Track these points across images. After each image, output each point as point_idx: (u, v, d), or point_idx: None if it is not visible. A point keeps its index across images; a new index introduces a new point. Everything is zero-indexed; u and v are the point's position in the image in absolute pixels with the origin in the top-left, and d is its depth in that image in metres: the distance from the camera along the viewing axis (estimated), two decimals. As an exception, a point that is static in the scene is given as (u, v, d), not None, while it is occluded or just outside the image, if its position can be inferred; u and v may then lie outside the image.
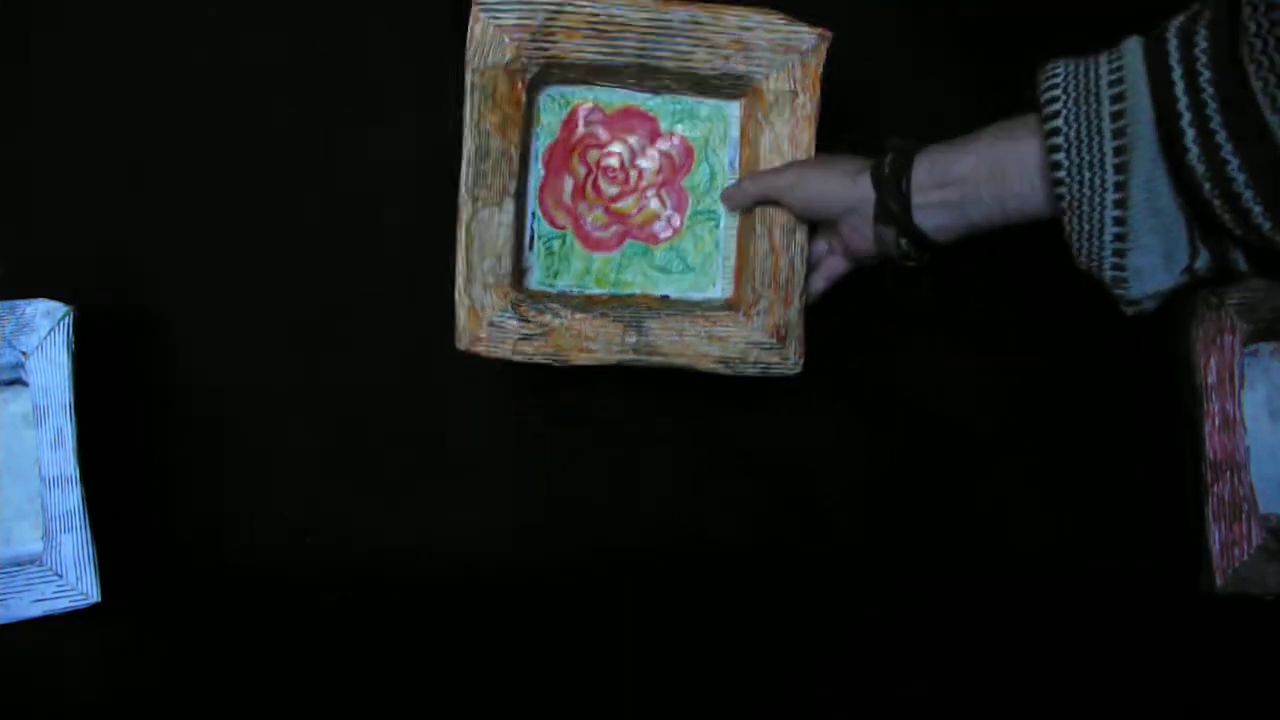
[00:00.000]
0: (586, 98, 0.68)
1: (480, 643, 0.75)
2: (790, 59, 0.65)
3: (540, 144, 0.68)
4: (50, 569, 0.64)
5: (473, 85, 0.62)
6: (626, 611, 0.76)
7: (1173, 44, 0.47)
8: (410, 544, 0.75)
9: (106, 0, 0.75)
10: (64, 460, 0.64)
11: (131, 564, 0.70)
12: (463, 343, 0.63)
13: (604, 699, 0.75)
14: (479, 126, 0.63)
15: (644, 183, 0.69)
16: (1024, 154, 0.53)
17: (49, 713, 0.71)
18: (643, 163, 0.69)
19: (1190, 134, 0.46)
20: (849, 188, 0.60)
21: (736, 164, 0.69)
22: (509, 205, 0.64)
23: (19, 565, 0.65)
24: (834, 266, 0.67)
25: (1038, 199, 0.54)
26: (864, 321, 0.76)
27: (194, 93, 0.75)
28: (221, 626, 0.73)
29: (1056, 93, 0.51)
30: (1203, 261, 0.50)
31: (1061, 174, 0.51)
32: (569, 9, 0.62)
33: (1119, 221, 0.50)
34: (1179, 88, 0.46)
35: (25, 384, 0.67)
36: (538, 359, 0.64)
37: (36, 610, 0.64)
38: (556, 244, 0.68)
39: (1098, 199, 0.50)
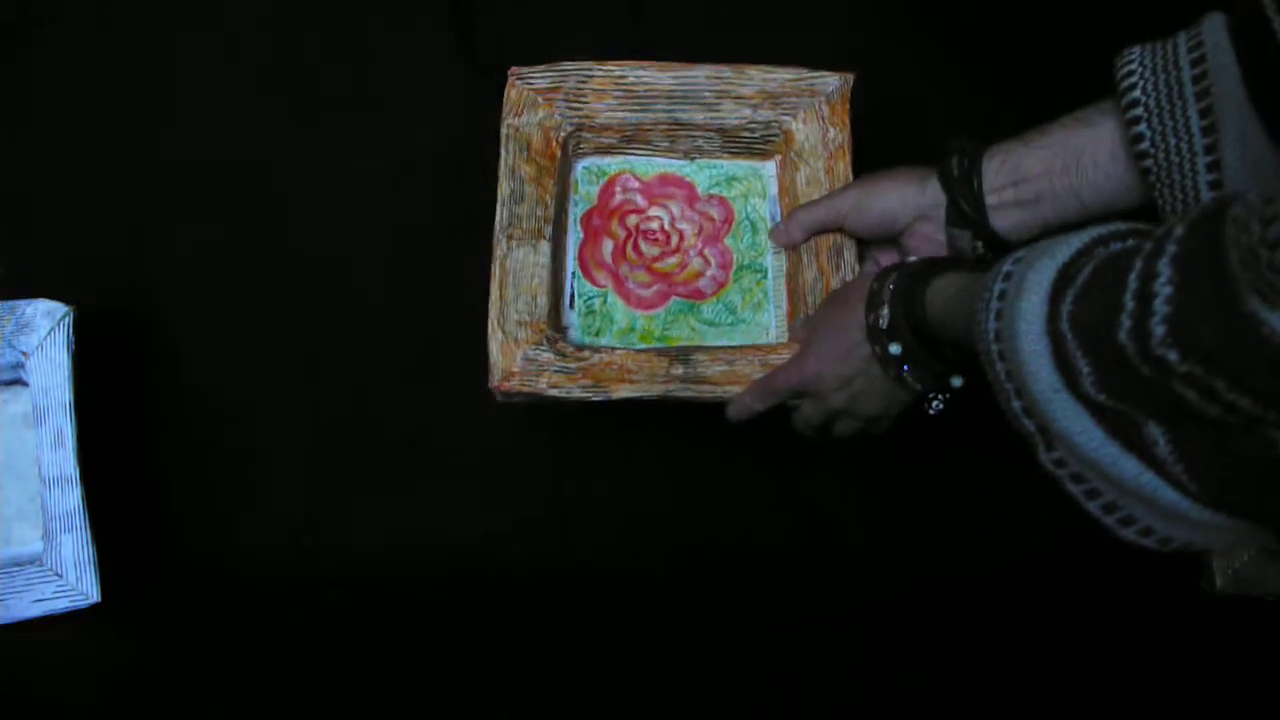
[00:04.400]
0: (623, 167, 0.69)
1: (480, 643, 0.75)
2: (816, 101, 0.66)
3: (578, 210, 0.69)
4: (50, 569, 0.64)
5: (507, 135, 0.64)
6: (627, 612, 0.76)
7: (1271, 9, 0.45)
8: (410, 544, 0.75)
9: (107, 1, 0.75)
10: (64, 460, 0.64)
11: (131, 564, 0.69)
12: (495, 378, 0.61)
13: (604, 699, 0.75)
14: (515, 173, 0.64)
15: (685, 243, 0.69)
16: (1100, 138, 0.52)
17: (49, 713, 0.71)
18: (683, 225, 0.69)
19: None
20: (918, 194, 0.59)
21: (778, 217, 0.69)
22: (543, 247, 0.63)
23: (19, 565, 0.65)
24: None
25: (1117, 184, 0.53)
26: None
27: (194, 93, 0.75)
28: (221, 626, 0.73)
29: (1133, 66, 0.50)
30: None
31: (1145, 145, 0.50)
32: (599, 74, 0.65)
33: (1214, 185, 0.49)
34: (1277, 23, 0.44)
35: (25, 384, 0.67)
36: (575, 393, 0.60)
37: (36, 610, 0.64)
38: (597, 302, 0.68)
39: (1188, 165, 0.49)
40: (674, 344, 0.67)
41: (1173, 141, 0.49)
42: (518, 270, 0.63)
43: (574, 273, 0.68)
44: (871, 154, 0.67)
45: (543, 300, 0.62)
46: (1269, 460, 0.34)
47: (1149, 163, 0.50)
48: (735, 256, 0.68)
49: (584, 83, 0.65)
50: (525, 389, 0.60)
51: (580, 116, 0.65)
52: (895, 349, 0.54)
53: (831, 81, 0.66)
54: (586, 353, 0.61)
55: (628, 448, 0.78)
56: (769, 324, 0.68)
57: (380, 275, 0.76)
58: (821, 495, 0.79)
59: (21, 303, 0.66)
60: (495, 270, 0.63)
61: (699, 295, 0.68)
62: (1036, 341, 0.39)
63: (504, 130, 0.64)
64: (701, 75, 0.65)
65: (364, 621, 0.74)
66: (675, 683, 0.76)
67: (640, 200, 0.69)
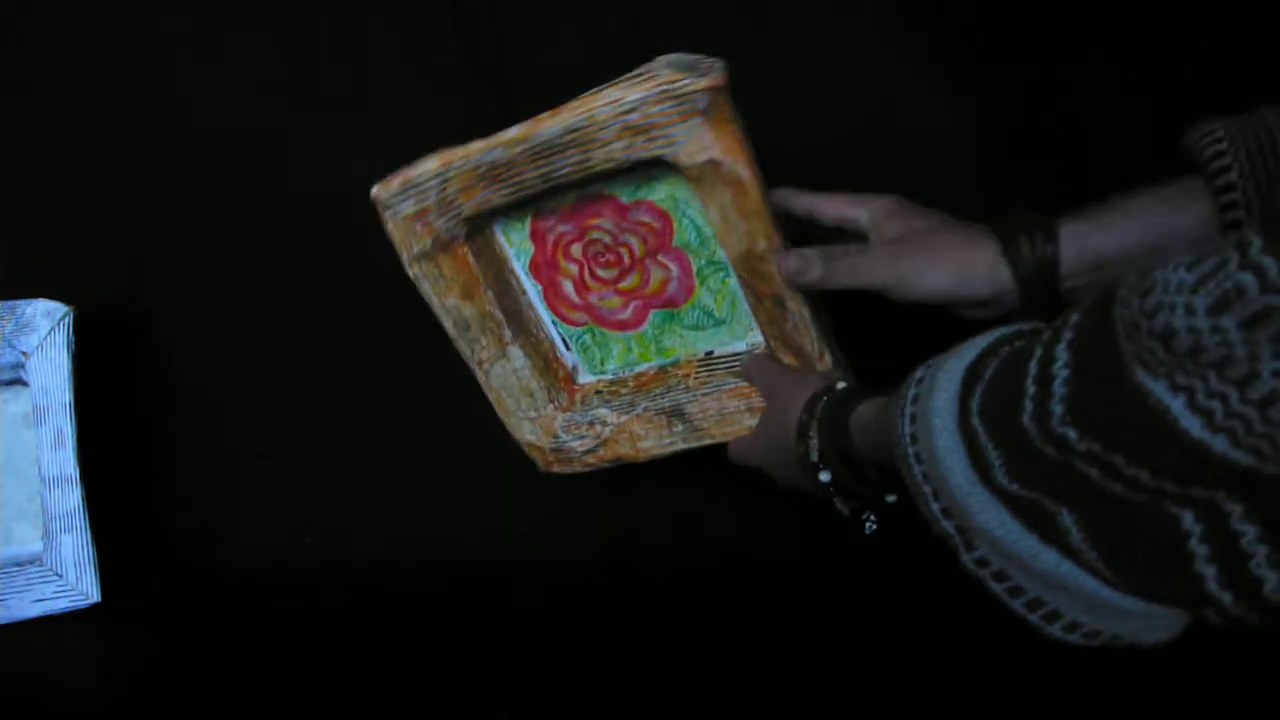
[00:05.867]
0: (537, 209, 0.64)
1: (480, 643, 0.75)
2: (690, 126, 0.53)
3: (521, 264, 0.67)
4: (50, 569, 0.64)
5: (417, 277, 0.63)
6: (627, 612, 0.76)
7: None
8: (410, 544, 0.75)
9: (107, 1, 0.75)
10: (64, 460, 0.64)
11: (131, 564, 0.69)
12: (541, 469, 0.68)
13: (604, 700, 0.75)
14: (445, 306, 0.64)
15: (637, 255, 0.64)
16: (1189, 222, 0.48)
17: (49, 713, 0.71)
18: (627, 239, 0.63)
19: None
20: (986, 281, 0.52)
21: (716, 215, 0.59)
22: (514, 352, 0.66)
23: (19, 565, 0.65)
24: None
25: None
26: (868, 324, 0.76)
27: (194, 93, 0.75)
28: (221, 626, 0.73)
29: (1223, 147, 0.47)
30: None
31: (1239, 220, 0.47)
32: (450, 174, 0.59)
33: None
34: None
35: (25, 384, 0.67)
36: (605, 466, 0.66)
37: (36, 610, 0.64)
38: (588, 338, 0.68)
39: None
40: (670, 355, 0.67)
41: None
42: (505, 384, 0.67)
43: (553, 321, 0.68)
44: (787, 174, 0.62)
45: (539, 391, 0.67)
46: (1172, 537, 0.34)
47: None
48: (691, 257, 0.63)
49: (444, 188, 0.60)
50: (569, 472, 0.67)
51: (462, 216, 0.61)
52: (825, 477, 0.54)
53: (700, 99, 0.52)
54: (599, 428, 0.65)
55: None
56: (748, 320, 0.65)
57: (380, 276, 0.76)
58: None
59: (21, 303, 0.66)
60: (490, 395, 0.67)
61: (674, 303, 0.65)
62: (950, 437, 0.40)
63: (411, 274, 0.63)
64: (558, 130, 0.55)
65: (364, 621, 0.74)
66: (675, 683, 0.76)
67: (571, 229, 0.64)
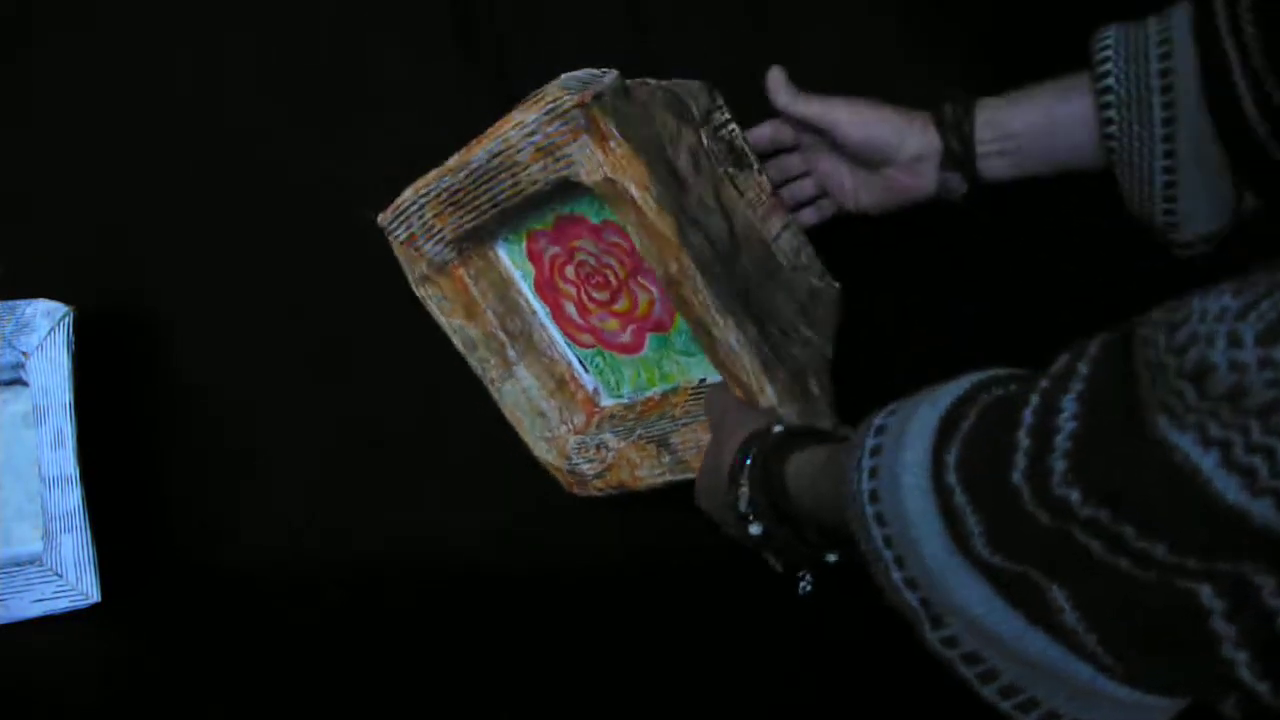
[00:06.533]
0: (523, 231, 0.65)
1: (481, 643, 0.75)
2: (582, 143, 0.52)
3: (527, 284, 0.67)
4: (50, 569, 0.64)
5: (424, 298, 0.66)
6: (628, 613, 0.76)
7: (1219, 6, 0.50)
8: (411, 544, 0.75)
9: (107, 1, 0.75)
10: (64, 460, 0.64)
11: (131, 564, 0.70)
12: (565, 491, 0.69)
13: (604, 700, 0.75)
14: (451, 326, 0.66)
15: (622, 275, 0.63)
16: (1075, 111, 0.57)
17: (49, 713, 0.71)
18: (608, 259, 0.63)
19: (1242, 84, 0.49)
20: (920, 134, 0.62)
21: (634, 235, 0.57)
22: (520, 372, 0.67)
23: (19, 565, 0.65)
24: (827, 209, 0.68)
25: (1088, 152, 0.57)
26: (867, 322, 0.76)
27: (194, 93, 0.75)
28: (222, 626, 0.73)
29: (1108, 53, 0.55)
30: (1248, 202, 0.54)
31: (1113, 129, 0.55)
32: (423, 201, 0.62)
33: (1168, 170, 0.54)
34: (1227, 43, 0.49)
35: (25, 384, 0.67)
36: (613, 493, 0.67)
37: (36, 610, 0.64)
38: (600, 360, 0.68)
39: (1147, 150, 0.54)
40: (671, 381, 0.66)
41: (1136, 129, 0.54)
42: (518, 403, 0.68)
43: (566, 343, 0.68)
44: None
45: (551, 412, 0.67)
46: (1189, 616, 0.29)
47: (1114, 144, 0.55)
48: None
49: (423, 214, 0.62)
50: (586, 495, 0.68)
51: (445, 240, 0.63)
52: (755, 530, 0.51)
53: (577, 116, 0.51)
54: (605, 453, 0.65)
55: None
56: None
57: (380, 276, 0.76)
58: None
59: (21, 303, 0.66)
60: (507, 416, 0.68)
61: (662, 327, 0.64)
62: (923, 498, 0.35)
63: (420, 296, 0.66)
64: (484, 155, 0.57)
65: (364, 621, 0.74)
66: (675, 683, 0.76)
67: (559, 250, 0.64)
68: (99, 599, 0.64)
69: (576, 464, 0.67)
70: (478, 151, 0.57)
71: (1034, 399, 0.31)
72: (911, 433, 0.36)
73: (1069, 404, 0.29)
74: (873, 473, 0.37)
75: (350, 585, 0.74)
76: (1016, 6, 0.81)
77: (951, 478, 0.34)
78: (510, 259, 0.67)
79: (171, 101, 0.75)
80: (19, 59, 0.74)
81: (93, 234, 0.74)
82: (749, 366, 0.56)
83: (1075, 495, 0.29)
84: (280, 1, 0.76)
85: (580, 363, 0.68)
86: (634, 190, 0.52)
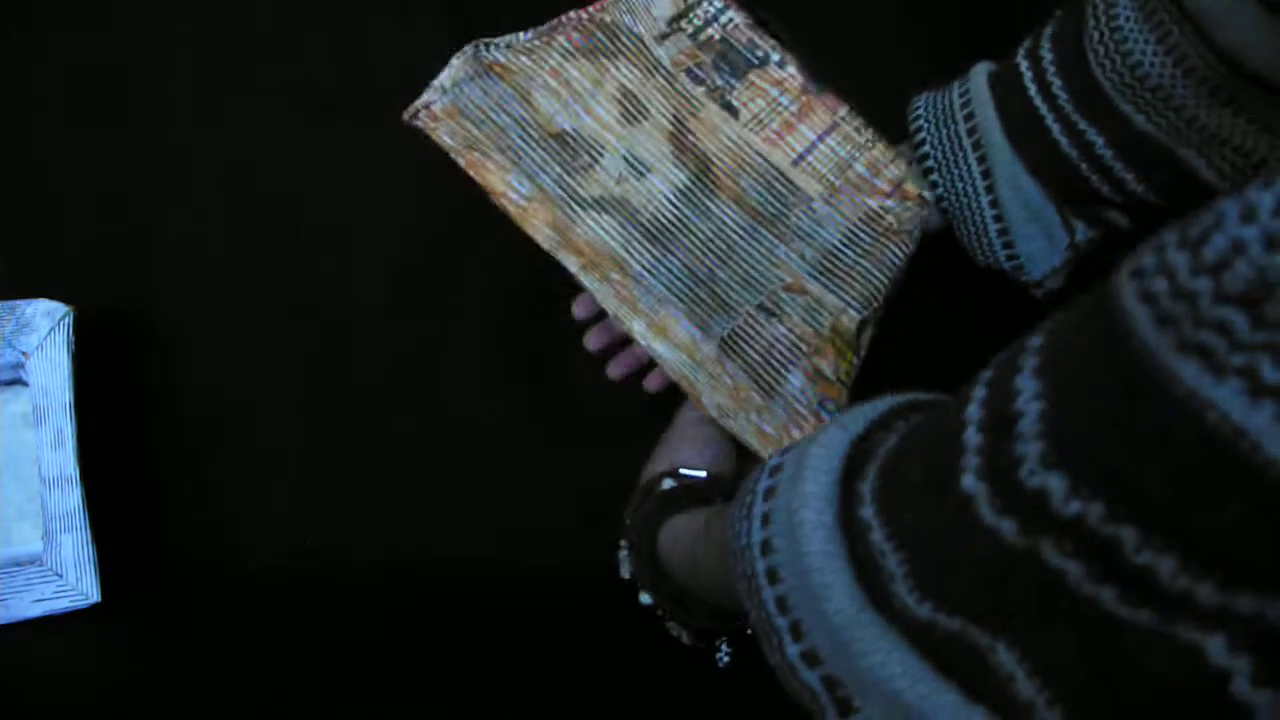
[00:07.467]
0: None
1: (481, 645, 0.75)
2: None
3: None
4: (50, 569, 0.64)
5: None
6: (628, 615, 0.76)
7: (1023, 64, 0.54)
8: (411, 545, 0.75)
9: (108, 1, 0.75)
10: (64, 460, 0.64)
11: (131, 564, 0.69)
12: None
13: (605, 701, 0.75)
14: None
15: None
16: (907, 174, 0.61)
17: (49, 713, 0.71)
18: None
19: (1056, 128, 0.52)
20: None
21: None
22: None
23: (19, 565, 0.65)
24: None
25: (934, 216, 0.61)
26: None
27: (194, 93, 0.75)
28: (221, 627, 0.73)
29: (921, 122, 0.59)
30: (1082, 234, 0.57)
31: (940, 190, 0.59)
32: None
33: (998, 219, 0.57)
34: (1034, 94, 0.53)
35: (25, 384, 0.67)
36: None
37: (36, 610, 0.64)
38: None
39: (974, 204, 0.57)
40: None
41: (960, 185, 0.57)
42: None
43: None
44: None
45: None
46: (1197, 679, 0.20)
47: (945, 205, 0.59)
48: None
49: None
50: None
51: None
52: (645, 599, 0.47)
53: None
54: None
55: (631, 449, 0.77)
56: None
57: (381, 276, 0.76)
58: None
59: (21, 303, 0.66)
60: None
61: None
62: (828, 538, 0.28)
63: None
64: None
65: (364, 622, 0.74)
66: (676, 683, 0.76)
67: None
68: (99, 599, 0.64)
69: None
70: None
71: (977, 393, 0.25)
72: (813, 462, 0.29)
73: (1025, 383, 0.23)
74: (765, 519, 0.30)
75: (350, 585, 0.74)
76: None
77: (866, 510, 0.27)
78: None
79: (171, 101, 0.75)
80: (19, 59, 0.74)
81: (93, 234, 0.74)
82: (677, 372, 0.47)
83: (1057, 482, 0.22)
84: (281, 2, 0.76)
85: None
86: (496, 200, 0.47)
